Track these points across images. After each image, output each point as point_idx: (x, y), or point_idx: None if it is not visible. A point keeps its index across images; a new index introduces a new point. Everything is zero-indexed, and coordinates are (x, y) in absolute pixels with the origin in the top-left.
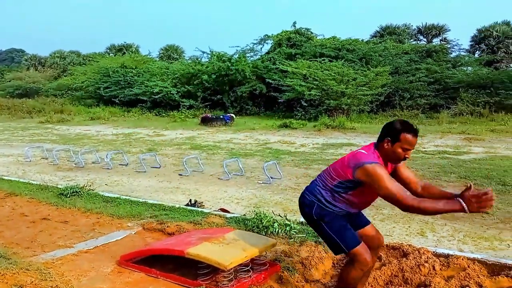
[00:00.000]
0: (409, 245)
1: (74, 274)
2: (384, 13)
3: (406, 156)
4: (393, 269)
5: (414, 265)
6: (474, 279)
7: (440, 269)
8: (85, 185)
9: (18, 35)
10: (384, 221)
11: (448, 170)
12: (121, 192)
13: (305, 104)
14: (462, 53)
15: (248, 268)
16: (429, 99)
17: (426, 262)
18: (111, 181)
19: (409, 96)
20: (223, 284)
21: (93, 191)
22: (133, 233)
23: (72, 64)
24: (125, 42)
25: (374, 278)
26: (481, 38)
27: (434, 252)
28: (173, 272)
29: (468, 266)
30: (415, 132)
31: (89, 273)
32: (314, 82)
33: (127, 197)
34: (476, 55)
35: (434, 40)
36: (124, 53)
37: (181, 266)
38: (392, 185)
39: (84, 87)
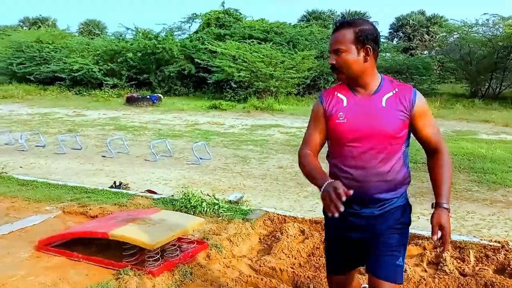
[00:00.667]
0: None
1: None
2: None
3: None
4: (315, 242)
5: None
6: None
7: None
8: None
9: None
10: (308, 198)
11: None
12: (38, 175)
13: (234, 85)
14: (382, 40)
15: (176, 247)
16: None
17: None
18: (26, 164)
19: (333, 80)
20: (150, 264)
21: (6, 174)
22: (52, 217)
23: None
24: (40, 15)
25: (297, 251)
26: (399, 26)
27: None
28: (97, 255)
29: None
30: (334, 26)
31: (3, 259)
32: (243, 63)
33: (45, 180)
34: (394, 42)
35: None
36: (40, 27)
37: (105, 249)
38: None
39: None
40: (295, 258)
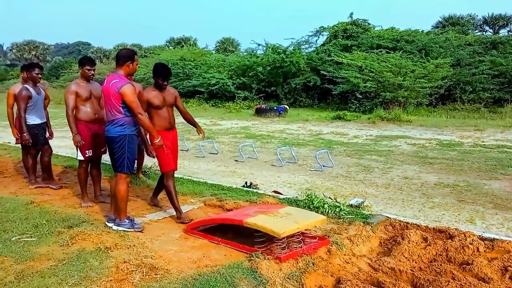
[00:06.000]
0: (455, 228)
1: (148, 238)
2: (447, 3)
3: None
4: (437, 249)
5: (459, 246)
6: None
7: (484, 251)
8: (152, 166)
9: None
10: (434, 209)
11: (506, 164)
12: (183, 174)
13: (359, 96)
14: None
15: (300, 239)
16: (493, 93)
17: (471, 244)
18: None
19: (471, 89)
20: (277, 251)
21: (159, 171)
22: (196, 207)
23: None
24: (183, 36)
25: (418, 255)
26: None
27: (480, 236)
28: (233, 240)
29: None
30: None
31: (160, 237)
32: (370, 74)
33: (189, 178)
34: None
35: (501, 31)
36: (183, 46)
37: (239, 236)
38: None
39: (146, 78)
40: (416, 262)
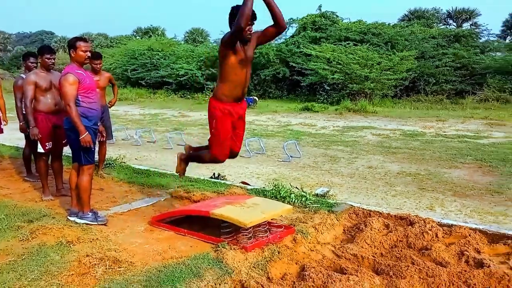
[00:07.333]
0: (416, 215)
1: (111, 231)
2: None
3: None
4: (398, 235)
5: (419, 232)
6: (473, 246)
7: (443, 236)
8: (117, 158)
9: (47, 17)
10: (396, 197)
11: (465, 153)
12: (150, 166)
13: (327, 88)
14: (491, 38)
15: (266, 229)
16: (455, 85)
17: (430, 230)
18: (140, 156)
19: (434, 81)
20: (243, 241)
21: (124, 163)
22: (162, 199)
23: (100, 46)
24: (151, 25)
25: (380, 242)
26: None
27: (438, 222)
28: (199, 231)
29: (469, 235)
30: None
31: (124, 230)
32: (337, 66)
33: (156, 170)
34: (508, 41)
35: (464, 24)
36: (151, 36)
37: (205, 227)
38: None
39: (112, 69)
40: (377, 248)
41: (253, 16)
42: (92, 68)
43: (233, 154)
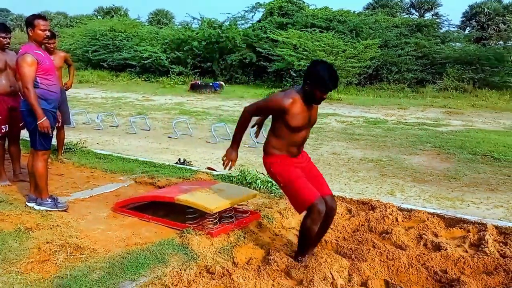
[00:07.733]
0: (377, 200)
1: (73, 217)
2: None
3: None
4: (360, 220)
5: (380, 216)
6: (431, 230)
7: (402, 220)
8: (78, 143)
9: None
10: (359, 182)
11: (424, 140)
12: (112, 151)
13: (294, 74)
14: (452, 29)
15: (231, 214)
16: (416, 74)
17: (391, 214)
18: (102, 141)
19: (396, 70)
20: (208, 227)
21: (86, 148)
22: (126, 185)
23: (59, 26)
24: (113, 5)
25: (343, 226)
26: (473, 14)
27: (398, 207)
28: (164, 218)
29: (427, 219)
30: None
31: (86, 216)
32: (304, 52)
33: (119, 155)
34: (467, 32)
35: (426, 14)
36: (113, 16)
37: (170, 213)
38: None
39: (72, 49)
40: (340, 233)
41: None
42: (45, 47)
43: (327, 201)
